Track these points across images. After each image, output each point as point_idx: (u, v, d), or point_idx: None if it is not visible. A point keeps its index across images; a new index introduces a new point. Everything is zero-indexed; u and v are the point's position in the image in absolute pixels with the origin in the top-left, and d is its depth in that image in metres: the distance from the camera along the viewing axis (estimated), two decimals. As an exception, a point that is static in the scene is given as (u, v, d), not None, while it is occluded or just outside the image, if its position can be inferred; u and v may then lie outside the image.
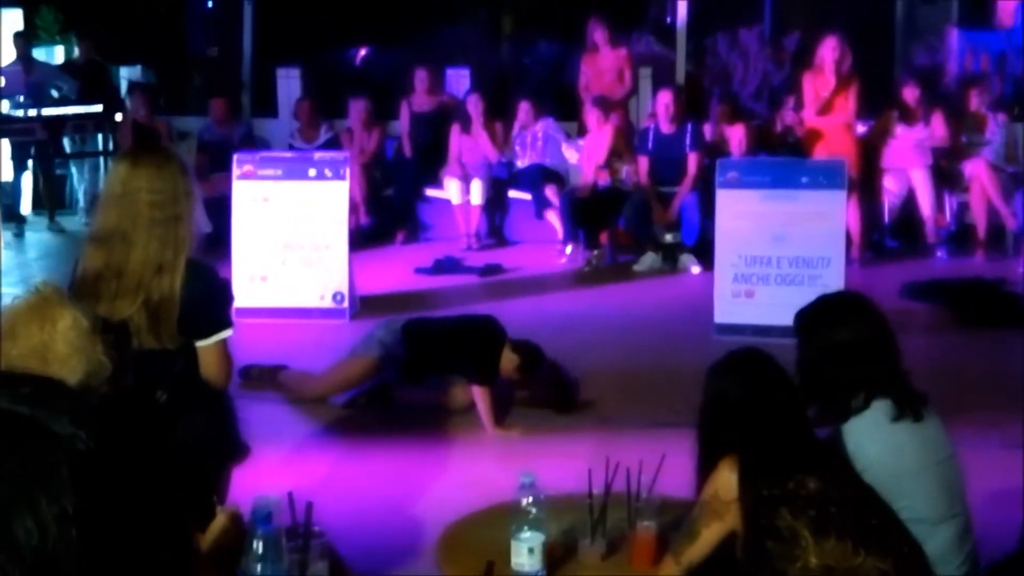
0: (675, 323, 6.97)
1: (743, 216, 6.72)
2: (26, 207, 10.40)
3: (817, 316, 2.91)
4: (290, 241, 7.18)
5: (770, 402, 2.62)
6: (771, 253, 6.64)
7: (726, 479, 2.53)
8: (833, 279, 6.49)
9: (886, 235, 8.76)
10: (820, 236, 6.61)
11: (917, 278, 7.66)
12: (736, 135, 8.45)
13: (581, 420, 5.31)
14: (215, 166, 9.01)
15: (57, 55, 11.38)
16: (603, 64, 9.55)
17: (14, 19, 11.21)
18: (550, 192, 9.03)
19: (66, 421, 0.96)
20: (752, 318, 6.39)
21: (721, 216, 6.80)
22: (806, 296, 3.16)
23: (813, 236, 6.61)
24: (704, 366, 2.82)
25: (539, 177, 9.15)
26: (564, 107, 9.80)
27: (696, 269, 8.11)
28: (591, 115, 9.00)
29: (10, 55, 10.31)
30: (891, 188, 8.67)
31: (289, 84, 10.46)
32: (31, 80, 9.72)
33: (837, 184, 6.74)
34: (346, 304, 7.11)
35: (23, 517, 0.90)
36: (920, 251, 8.59)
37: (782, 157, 8.02)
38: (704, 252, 7.69)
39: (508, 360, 5.17)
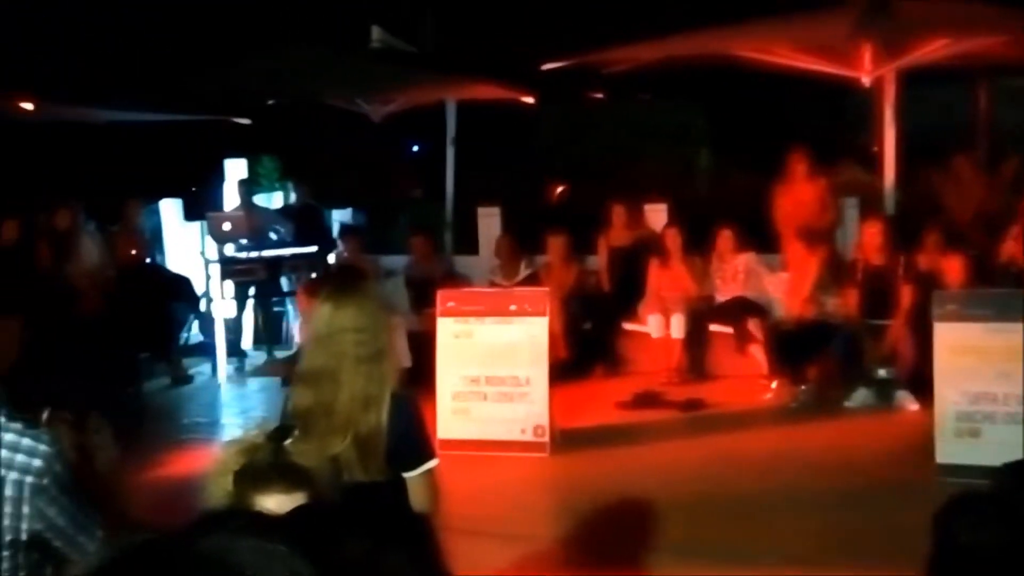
0: (892, 464, 6.58)
1: (964, 351, 6.40)
2: (247, 342, 10.95)
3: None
4: (491, 375, 7.25)
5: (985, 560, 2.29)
6: (997, 390, 6.26)
7: None
8: (1069, 418, 6.01)
9: None
10: (1053, 372, 6.16)
11: None
12: (953, 266, 8.06)
13: (787, 573, 5.00)
14: (419, 302, 9.28)
15: (275, 200, 12.09)
16: (802, 195, 9.37)
17: (239, 167, 12.07)
18: (752, 325, 8.83)
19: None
20: (979, 459, 5.95)
21: (940, 351, 6.48)
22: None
23: (1045, 372, 6.16)
24: (927, 511, 2.55)
25: (741, 310, 8.98)
26: (763, 239, 9.63)
27: (913, 406, 7.68)
28: (794, 246, 8.80)
29: (234, 201, 11.02)
30: None
31: (489, 222, 10.73)
32: (253, 224, 10.33)
33: (1069, 316, 6.30)
34: (547, 438, 7.06)
35: None
36: None
37: (1005, 288, 7.57)
38: (920, 388, 7.29)
39: None
